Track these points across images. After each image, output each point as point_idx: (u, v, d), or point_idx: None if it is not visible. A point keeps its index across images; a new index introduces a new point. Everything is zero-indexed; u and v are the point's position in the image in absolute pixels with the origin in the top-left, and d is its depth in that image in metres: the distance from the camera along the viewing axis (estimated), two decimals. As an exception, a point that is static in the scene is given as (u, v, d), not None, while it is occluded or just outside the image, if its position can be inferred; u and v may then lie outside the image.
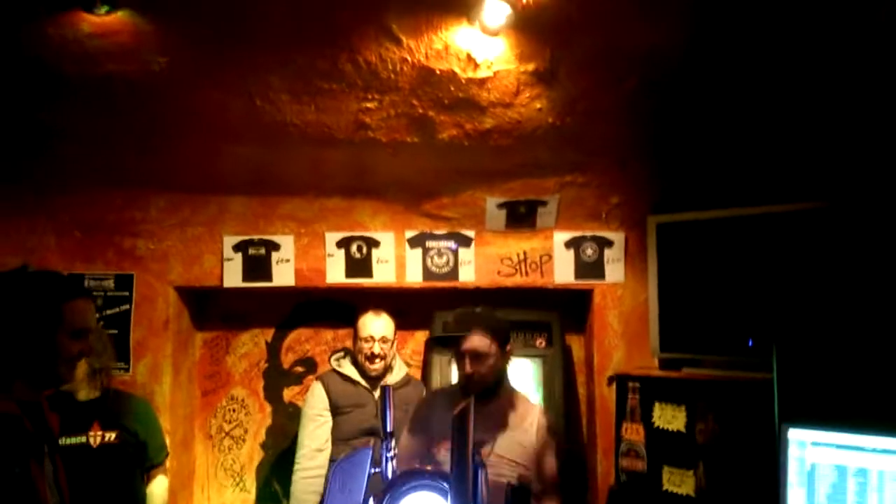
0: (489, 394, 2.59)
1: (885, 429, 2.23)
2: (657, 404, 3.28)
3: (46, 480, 1.79)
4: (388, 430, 1.74)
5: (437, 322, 3.72)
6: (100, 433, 2.92)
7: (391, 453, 1.69)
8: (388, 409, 1.80)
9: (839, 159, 3.00)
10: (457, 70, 2.77)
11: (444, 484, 1.46)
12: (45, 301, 1.80)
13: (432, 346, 3.68)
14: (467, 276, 3.64)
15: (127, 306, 3.56)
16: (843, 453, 2.28)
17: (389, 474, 1.63)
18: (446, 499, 1.46)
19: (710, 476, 3.08)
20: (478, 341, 2.54)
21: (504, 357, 2.62)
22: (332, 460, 3.17)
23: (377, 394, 3.26)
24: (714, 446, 3.07)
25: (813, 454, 2.32)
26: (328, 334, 4.01)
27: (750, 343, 3.08)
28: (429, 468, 1.63)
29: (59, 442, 2.77)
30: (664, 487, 3.19)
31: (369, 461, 1.52)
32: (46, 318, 1.78)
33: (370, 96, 2.91)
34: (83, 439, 2.88)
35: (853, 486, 2.24)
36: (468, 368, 2.55)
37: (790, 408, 2.51)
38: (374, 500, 1.40)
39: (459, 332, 2.56)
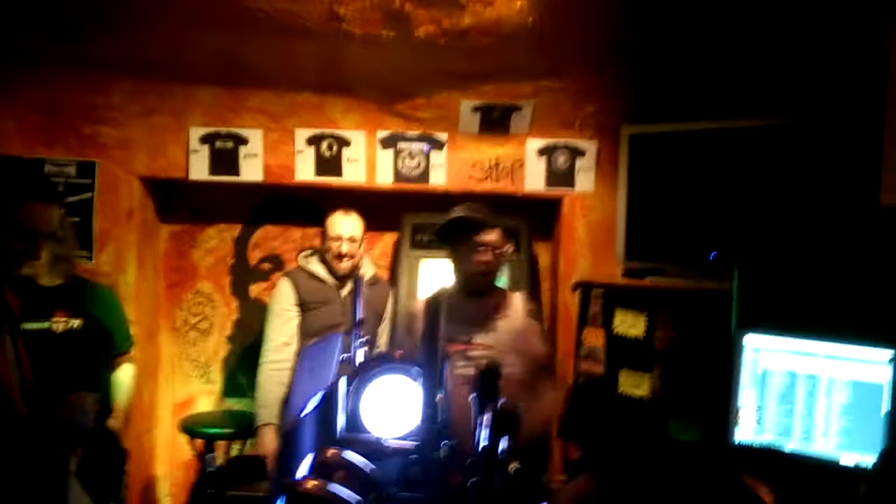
0: (486, 290, 2.69)
1: (837, 335, 2.32)
2: (618, 311, 3.37)
3: (8, 360, 1.79)
4: (358, 317, 1.76)
5: (406, 225, 3.73)
6: (63, 319, 2.89)
7: (361, 340, 1.72)
8: (359, 298, 1.82)
9: (803, 77, 3.01)
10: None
11: (414, 368, 1.49)
12: None
13: (404, 245, 3.71)
14: (438, 179, 3.63)
15: (89, 194, 3.48)
16: (795, 358, 2.37)
17: (359, 360, 1.65)
18: (416, 380, 1.49)
19: (666, 380, 3.20)
20: (497, 235, 2.63)
21: (507, 257, 2.75)
22: (297, 355, 3.21)
23: (343, 292, 3.27)
24: (671, 352, 3.18)
25: (766, 358, 2.42)
26: (296, 232, 4.00)
27: (712, 254, 3.15)
28: (397, 353, 1.66)
29: (23, 327, 2.78)
30: (621, 390, 3.32)
31: (339, 345, 1.54)
32: None
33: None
34: (46, 325, 2.86)
35: (803, 388, 2.35)
36: (488, 258, 2.62)
37: (747, 315, 2.60)
38: (344, 380, 1.43)
39: (473, 223, 2.62)
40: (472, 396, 1.28)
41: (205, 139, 3.51)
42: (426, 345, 1.55)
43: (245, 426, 3.50)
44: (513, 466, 1.00)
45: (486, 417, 1.13)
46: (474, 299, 2.67)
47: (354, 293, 1.87)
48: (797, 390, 2.36)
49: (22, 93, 3.38)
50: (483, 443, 1.11)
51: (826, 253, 2.64)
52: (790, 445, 2.36)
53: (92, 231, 3.49)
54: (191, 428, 3.61)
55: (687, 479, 2.67)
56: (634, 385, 3.30)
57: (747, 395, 2.45)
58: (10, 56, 3.23)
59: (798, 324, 2.45)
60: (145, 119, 3.48)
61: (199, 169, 3.53)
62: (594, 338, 3.43)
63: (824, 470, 2.30)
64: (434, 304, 2.70)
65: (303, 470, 1.05)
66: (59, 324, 2.87)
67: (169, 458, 4.00)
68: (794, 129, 2.96)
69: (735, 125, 3.13)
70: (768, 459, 2.39)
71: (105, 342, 3.01)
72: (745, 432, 2.45)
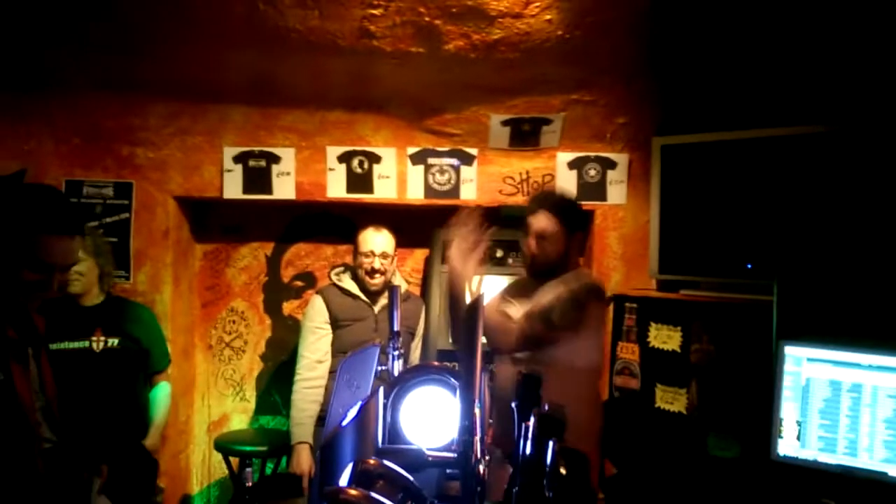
0: (552, 273, 2.63)
1: (881, 346, 2.27)
2: (653, 324, 3.32)
3: (31, 384, 1.77)
4: (395, 328, 1.76)
5: (437, 240, 3.73)
6: (102, 339, 2.94)
7: (397, 351, 1.72)
8: (395, 308, 1.82)
9: (841, 83, 2.97)
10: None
11: (452, 379, 1.48)
12: (17, 230, 1.72)
13: (435, 261, 3.69)
14: (469, 194, 3.63)
15: (126, 215, 3.54)
16: (838, 369, 2.32)
17: (396, 371, 1.65)
18: (454, 394, 1.48)
19: (703, 394, 3.14)
20: (543, 221, 2.58)
21: (570, 238, 2.63)
22: (331, 372, 3.22)
23: (376, 308, 3.28)
24: (707, 366, 3.12)
25: (808, 370, 2.37)
26: (328, 249, 4.02)
27: (749, 266, 3.10)
28: (436, 364, 1.65)
29: (63, 346, 2.83)
30: (656, 405, 3.26)
31: (377, 357, 1.54)
32: (14, 247, 1.71)
33: (376, 2, 2.83)
34: (86, 344, 2.91)
35: (847, 400, 2.29)
36: (533, 248, 2.60)
37: (787, 327, 2.54)
38: (382, 391, 1.43)
39: (529, 211, 2.60)
40: (513, 403, 1.26)
41: (238, 158, 3.56)
42: (466, 346, 1.51)
43: (279, 444, 3.51)
44: (560, 470, 0.98)
45: (530, 424, 1.12)
46: (538, 283, 2.63)
47: (390, 303, 1.87)
48: (841, 402, 2.30)
49: (60, 115, 3.46)
50: (527, 450, 1.09)
51: (868, 262, 2.58)
52: (834, 459, 2.30)
53: (129, 251, 3.55)
54: (225, 446, 3.63)
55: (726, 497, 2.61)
56: (671, 400, 3.24)
57: (789, 408, 2.40)
58: (47, 79, 3.31)
59: (841, 334, 2.40)
60: (180, 140, 3.54)
61: (233, 188, 3.57)
62: (629, 352, 3.39)
63: (872, 484, 2.23)
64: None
65: (343, 479, 1.05)
66: (99, 343, 2.92)
67: (204, 476, 4.01)
68: (831, 137, 2.92)
69: (769, 133, 3.08)
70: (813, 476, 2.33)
71: (142, 361, 3.05)
72: (788, 447, 2.39)
